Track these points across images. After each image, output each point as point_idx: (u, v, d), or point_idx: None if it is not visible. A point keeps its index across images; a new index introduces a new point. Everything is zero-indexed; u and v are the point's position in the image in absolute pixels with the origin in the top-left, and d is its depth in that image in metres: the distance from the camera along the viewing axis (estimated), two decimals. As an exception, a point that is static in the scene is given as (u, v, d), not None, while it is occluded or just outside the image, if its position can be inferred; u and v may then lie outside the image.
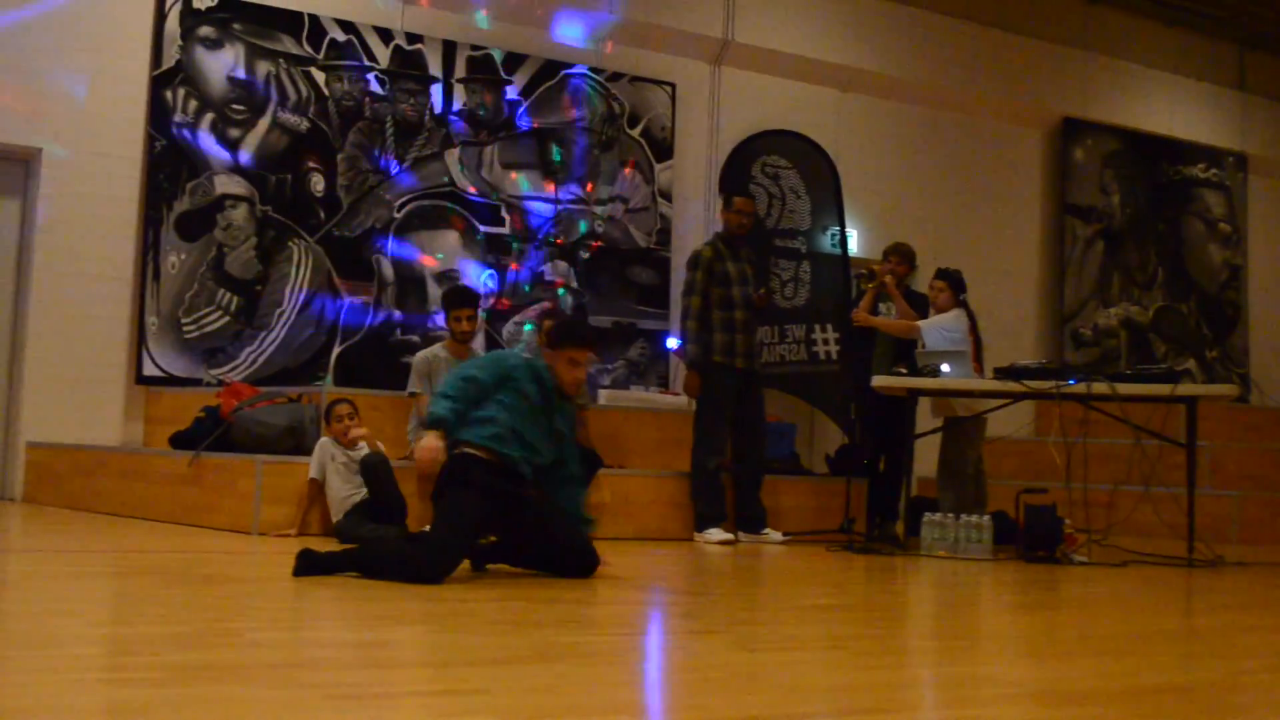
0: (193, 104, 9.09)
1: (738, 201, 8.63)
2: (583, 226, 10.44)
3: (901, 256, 8.88)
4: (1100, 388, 7.74)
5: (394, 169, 9.67)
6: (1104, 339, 13.08)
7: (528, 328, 10.03)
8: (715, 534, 8.13)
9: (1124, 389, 7.75)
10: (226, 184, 9.16)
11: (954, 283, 8.65)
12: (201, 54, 9.15)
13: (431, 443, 5.34)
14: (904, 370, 8.26)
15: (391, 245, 9.67)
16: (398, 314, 9.65)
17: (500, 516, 5.45)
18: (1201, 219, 13.92)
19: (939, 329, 8.46)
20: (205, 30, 9.17)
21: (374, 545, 5.92)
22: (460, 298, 8.10)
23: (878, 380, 8.16)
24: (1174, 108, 13.79)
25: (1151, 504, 7.99)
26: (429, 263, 9.83)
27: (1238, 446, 11.29)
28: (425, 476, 5.73)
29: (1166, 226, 13.66)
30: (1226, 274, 14.04)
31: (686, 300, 8.44)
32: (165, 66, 9.03)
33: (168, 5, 9.03)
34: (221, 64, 9.21)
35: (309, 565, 5.15)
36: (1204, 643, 4.82)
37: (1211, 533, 8.81)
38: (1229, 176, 14.11)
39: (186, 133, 9.06)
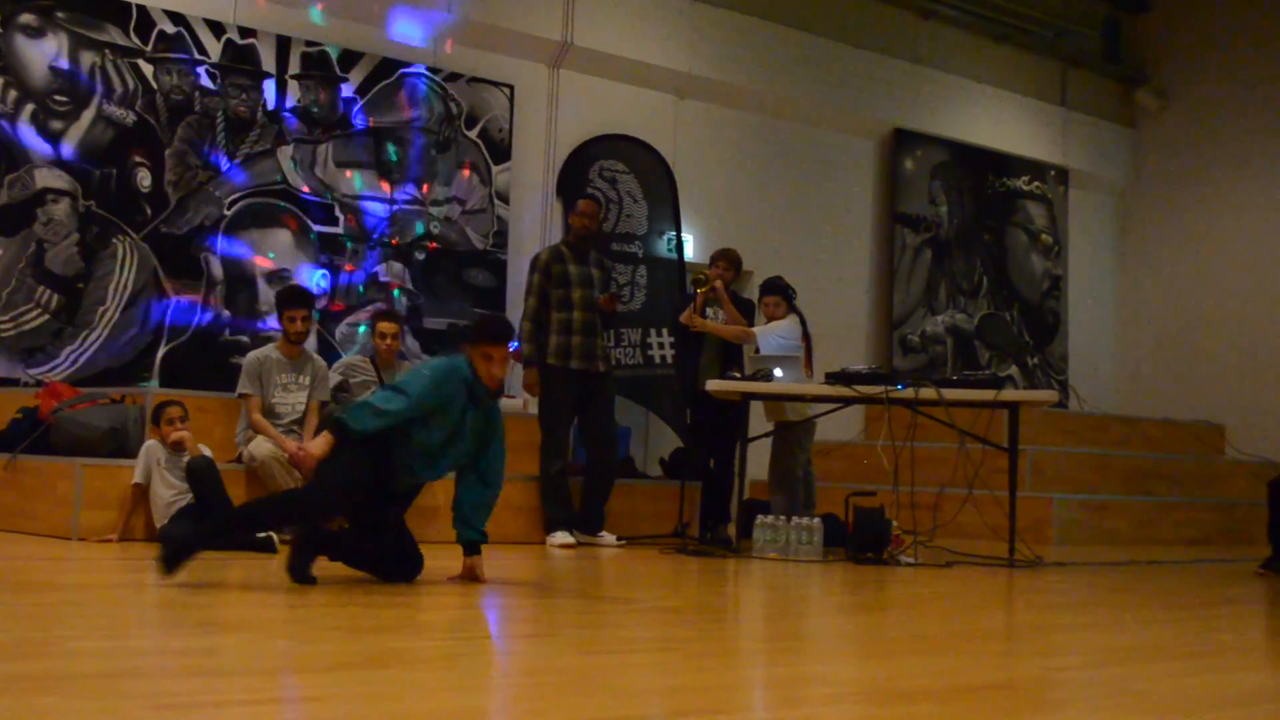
0: (12, 94, 8.77)
1: (579, 204, 8.68)
2: (419, 228, 10.34)
3: (729, 262, 8.95)
4: (927, 393, 7.92)
5: (224, 165, 9.45)
6: (931, 345, 13.40)
7: (361, 329, 9.89)
8: (559, 537, 8.13)
9: (950, 394, 7.95)
10: (48, 178, 8.85)
11: (784, 293, 8.77)
12: (22, 42, 8.83)
13: (323, 447, 5.40)
14: (737, 374, 8.35)
15: (221, 243, 9.45)
16: (226, 314, 9.44)
17: (372, 493, 5.47)
18: (1024, 230, 14.35)
19: (775, 335, 8.58)
20: (26, 18, 8.84)
21: (245, 507, 6.19)
22: (294, 298, 7.96)
23: (713, 384, 8.23)
24: (1000, 122, 14.19)
25: (975, 506, 8.21)
26: (260, 262, 9.63)
27: (1057, 451, 11.66)
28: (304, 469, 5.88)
29: (991, 237, 14.05)
30: (1047, 283, 14.50)
31: (525, 302, 8.47)
32: (-17, 54, 8.69)
33: (-14, -9, 8.70)
34: (43, 53, 8.89)
35: (177, 553, 5.00)
36: (1025, 641, 4.97)
37: (1032, 534, 9.09)
38: (1050, 189, 14.58)
39: (5, 124, 8.72)
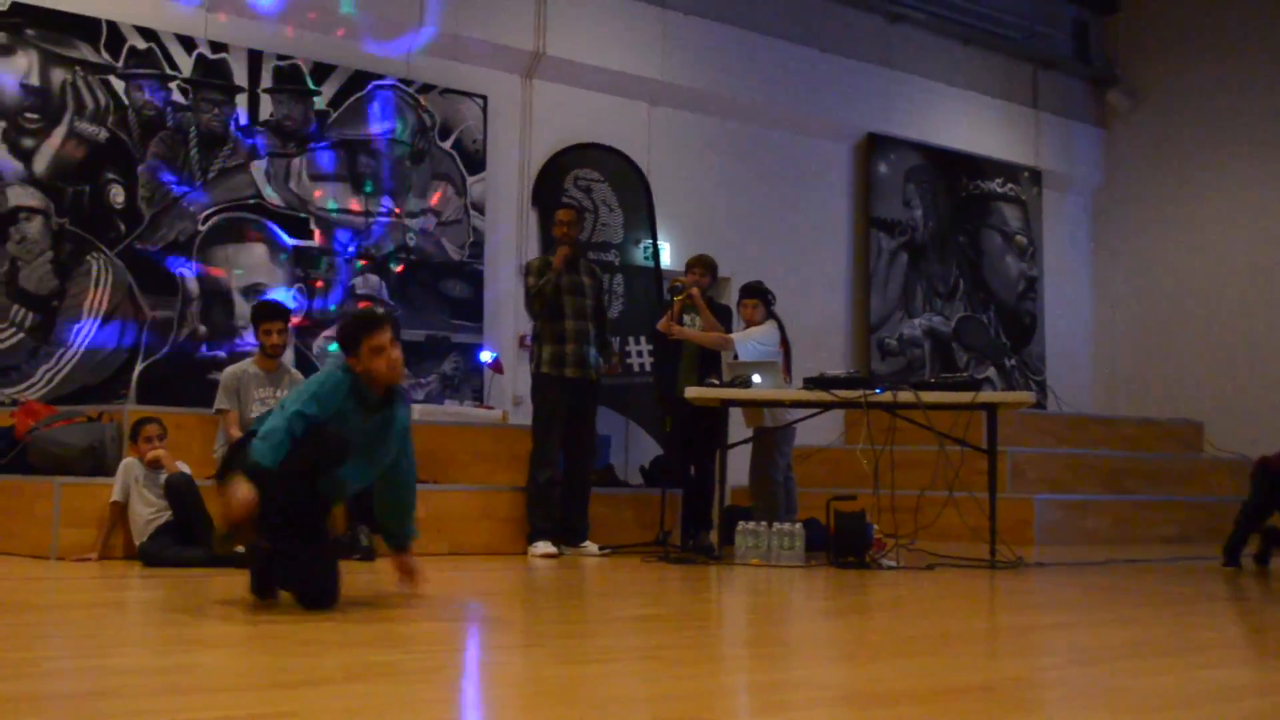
0: (-18, 112, 8.73)
1: (557, 214, 8.67)
2: (394, 240, 10.32)
3: (705, 268, 8.94)
4: (905, 396, 7.93)
5: (191, 192, 9.41)
6: (909, 349, 13.43)
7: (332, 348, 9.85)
8: (541, 547, 8.11)
9: (928, 397, 7.96)
10: (20, 196, 8.81)
11: (764, 297, 8.78)
12: (-8, 61, 8.79)
13: (246, 495, 4.81)
14: (716, 381, 8.35)
15: (196, 259, 9.42)
16: (203, 330, 9.40)
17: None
18: (999, 232, 14.40)
19: (753, 342, 8.57)
20: (-5, 36, 8.81)
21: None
22: (270, 311, 7.95)
23: (691, 391, 8.23)
24: (972, 124, 14.23)
25: (956, 508, 8.22)
26: (235, 277, 9.60)
27: (1036, 451, 11.69)
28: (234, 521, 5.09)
29: (966, 239, 14.09)
30: (1023, 285, 14.55)
31: (528, 303, 8.46)
32: (-48, 73, 8.65)
33: (-45, 9, 8.66)
34: (14, 70, 8.85)
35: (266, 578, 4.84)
36: (1007, 641, 4.98)
37: (1012, 535, 9.11)
38: (1024, 191, 14.63)
39: (-24, 142, 8.69)
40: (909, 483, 8.33)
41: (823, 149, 13.17)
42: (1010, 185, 14.47)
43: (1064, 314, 14.94)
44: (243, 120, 9.67)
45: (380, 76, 10.33)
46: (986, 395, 8.27)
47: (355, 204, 10.16)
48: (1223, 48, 14.53)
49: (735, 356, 8.52)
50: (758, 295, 8.76)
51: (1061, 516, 10.80)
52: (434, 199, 10.48)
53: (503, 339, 10.73)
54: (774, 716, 3.25)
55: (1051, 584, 7.14)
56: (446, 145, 10.63)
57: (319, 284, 9.94)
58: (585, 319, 8.42)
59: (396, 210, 10.30)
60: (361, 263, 10.13)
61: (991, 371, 13.89)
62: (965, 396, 7.99)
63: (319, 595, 4.95)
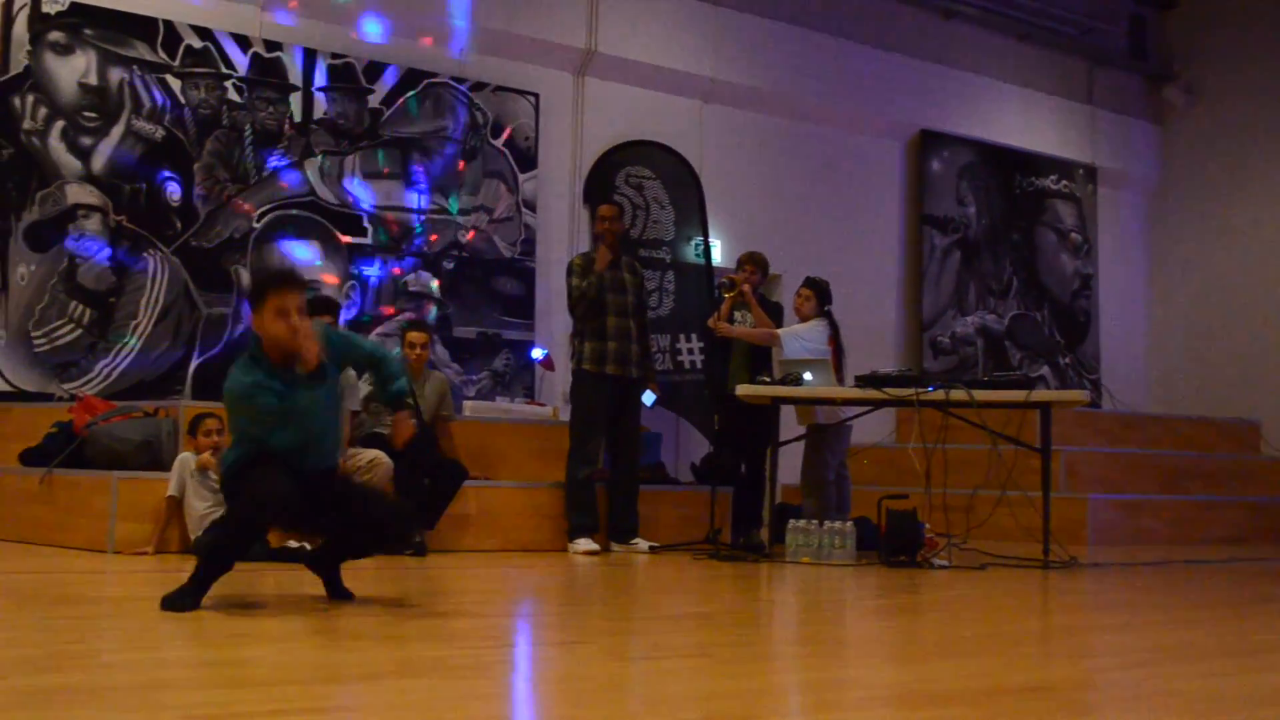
0: (42, 111, 8.84)
1: (600, 209, 8.69)
2: (447, 237, 10.37)
3: (756, 265, 8.93)
4: (958, 394, 7.89)
5: (275, 161, 9.50)
6: (961, 347, 13.35)
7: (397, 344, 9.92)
8: (583, 544, 8.12)
9: (981, 395, 7.91)
10: (79, 193, 8.92)
11: (820, 292, 8.76)
12: (51, 59, 8.91)
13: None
14: (767, 379, 8.34)
15: (251, 256, 9.50)
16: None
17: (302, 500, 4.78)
18: (1053, 229, 14.28)
19: (798, 338, 8.55)
20: (55, 35, 8.92)
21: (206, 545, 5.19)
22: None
23: (743, 389, 8.22)
24: (1026, 121, 14.13)
25: (1008, 508, 8.16)
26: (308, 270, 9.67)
27: (1090, 451, 11.59)
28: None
29: (1020, 236, 13.99)
30: (1078, 283, 14.42)
31: (571, 304, 8.40)
32: (13, 72, 8.77)
33: (15, 9, 8.77)
34: (72, 70, 8.97)
35: (180, 603, 4.66)
36: (1060, 642, 4.94)
37: (1066, 535, 9.03)
38: (1079, 188, 14.50)
39: (36, 140, 8.81)
40: (961, 481, 8.29)
41: (875, 146, 13.11)
42: (1065, 182, 14.35)
43: (1119, 312, 14.80)
44: (297, 118, 9.75)
45: (433, 75, 10.38)
46: (1040, 394, 8.21)
47: (408, 201, 10.21)
48: (1281, 42, 14.35)
49: (782, 353, 8.50)
50: (812, 287, 8.74)
51: (1115, 516, 10.71)
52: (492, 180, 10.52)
53: (554, 336, 10.75)
54: (825, 715, 3.24)
55: (1105, 585, 7.08)
56: (498, 143, 10.66)
57: (397, 271, 10.01)
58: (627, 316, 8.40)
59: (448, 208, 10.35)
60: (414, 259, 10.18)
61: (1045, 370, 13.78)
62: (1019, 395, 7.93)
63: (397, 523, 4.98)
